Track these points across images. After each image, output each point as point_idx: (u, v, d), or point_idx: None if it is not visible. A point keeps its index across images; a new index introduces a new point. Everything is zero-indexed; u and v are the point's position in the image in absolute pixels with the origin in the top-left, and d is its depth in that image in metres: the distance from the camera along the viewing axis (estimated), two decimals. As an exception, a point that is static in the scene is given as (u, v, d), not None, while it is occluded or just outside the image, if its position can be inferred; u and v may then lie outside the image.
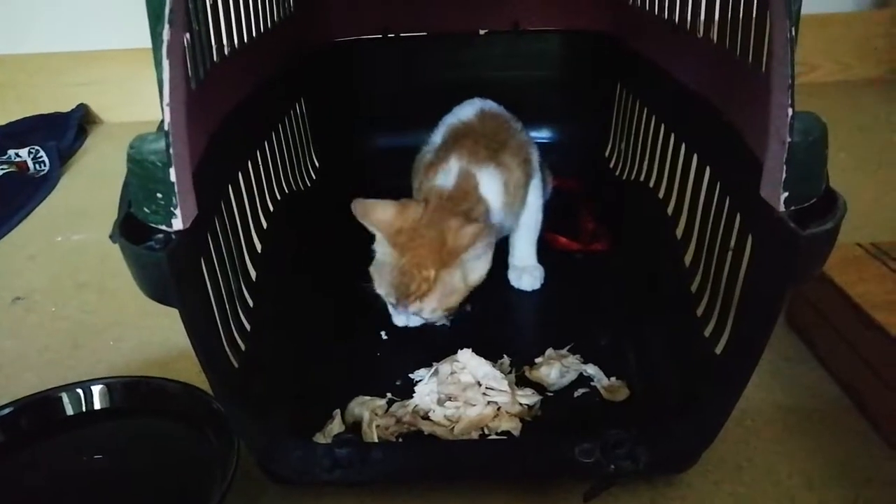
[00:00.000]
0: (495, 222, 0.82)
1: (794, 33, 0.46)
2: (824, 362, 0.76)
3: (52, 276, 1.03)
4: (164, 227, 0.51)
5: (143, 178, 0.50)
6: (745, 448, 0.66)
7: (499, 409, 0.69)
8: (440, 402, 0.70)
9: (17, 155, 1.42)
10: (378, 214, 0.76)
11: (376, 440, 0.65)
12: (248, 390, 0.62)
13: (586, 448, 0.58)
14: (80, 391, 0.70)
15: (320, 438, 0.66)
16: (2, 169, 1.36)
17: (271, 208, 0.87)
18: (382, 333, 0.81)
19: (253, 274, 0.75)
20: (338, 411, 0.69)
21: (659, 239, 0.84)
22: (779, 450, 0.66)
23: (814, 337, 0.78)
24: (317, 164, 1.12)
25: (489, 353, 0.74)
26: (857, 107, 1.49)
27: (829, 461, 0.65)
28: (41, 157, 1.41)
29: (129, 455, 0.67)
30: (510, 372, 0.74)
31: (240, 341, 0.65)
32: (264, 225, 0.83)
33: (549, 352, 0.76)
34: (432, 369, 0.73)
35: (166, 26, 0.46)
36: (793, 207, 0.50)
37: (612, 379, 0.73)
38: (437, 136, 0.91)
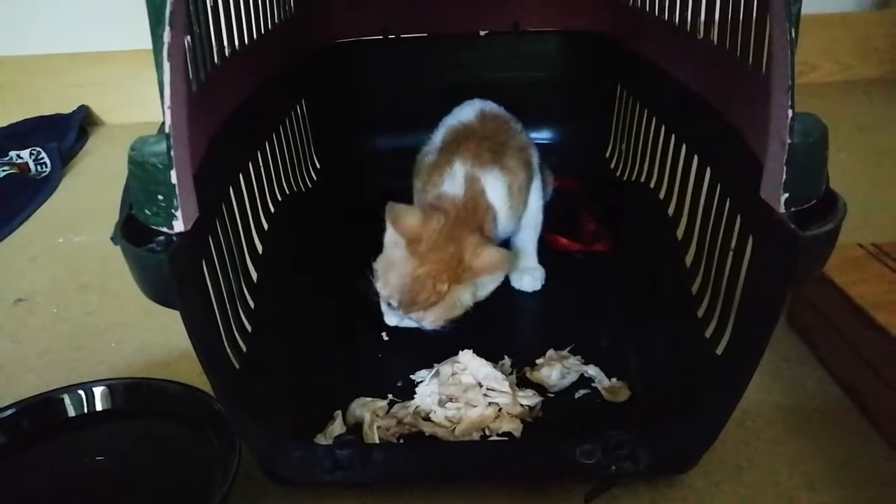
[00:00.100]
0: (499, 226, 0.82)
1: (794, 35, 0.46)
2: (825, 363, 0.76)
3: (54, 278, 1.03)
4: (165, 229, 0.51)
5: (144, 180, 0.50)
6: (746, 449, 0.66)
7: (500, 410, 0.69)
8: (441, 404, 0.70)
9: (18, 156, 1.42)
10: (407, 221, 0.75)
11: (377, 441, 0.65)
12: (249, 391, 0.62)
13: (587, 449, 0.58)
14: (81, 393, 0.70)
15: (321, 439, 0.66)
16: (3, 170, 1.36)
17: (272, 209, 0.87)
18: (383, 334, 0.81)
19: (254, 275, 0.75)
20: (339, 412, 0.69)
21: (660, 240, 0.84)
22: (779, 450, 0.66)
23: (814, 337, 0.78)
24: (317, 166, 1.12)
25: (490, 354, 0.74)
26: (858, 107, 1.49)
27: (829, 462, 0.65)
28: (42, 158, 1.41)
29: (131, 456, 0.67)
30: (511, 373, 0.74)
31: (241, 342, 0.66)
32: (265, 226, 0.83)
33: (550, 353, 0.76)
34: (433, 370, 0.73)
35: (167, 28, 0.46)
36: (793, 209, 0.50)
37: (613, 380, 0.73)
38: (438, 138, 0.91)
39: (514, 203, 0.84)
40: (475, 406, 0.69)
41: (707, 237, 0.71)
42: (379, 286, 0.76)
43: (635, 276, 0.88)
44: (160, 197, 0.50)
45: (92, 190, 1.34)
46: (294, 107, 1.05)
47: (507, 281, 0.89)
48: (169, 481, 0.64)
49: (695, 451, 0.61)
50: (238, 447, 0.60)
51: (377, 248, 0.78)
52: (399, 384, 0.74)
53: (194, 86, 0.58)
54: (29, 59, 1.63)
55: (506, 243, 0.90)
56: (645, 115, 0.97)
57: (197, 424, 0.66)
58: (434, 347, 0.75)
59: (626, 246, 0.95)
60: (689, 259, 0.75)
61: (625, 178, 1.04)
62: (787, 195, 0.50)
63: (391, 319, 0.79)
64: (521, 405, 0.69)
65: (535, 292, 0.89)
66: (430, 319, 0.75)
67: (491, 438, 0.67)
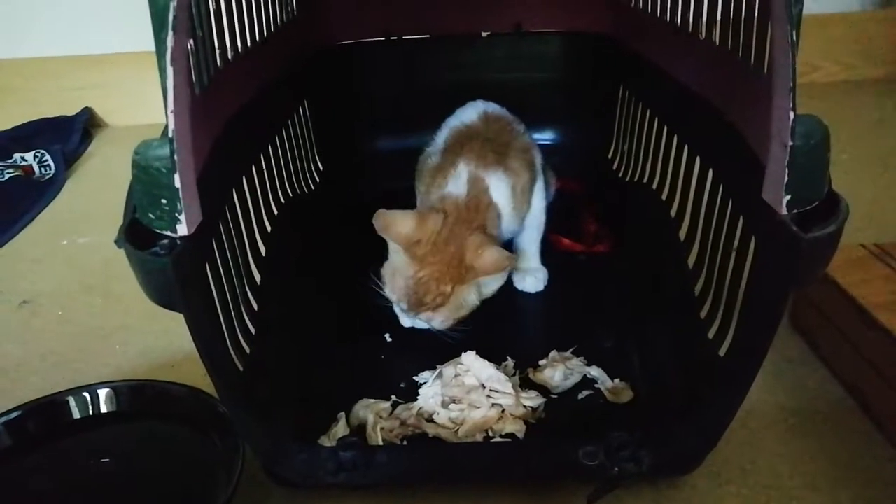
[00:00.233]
0: (503, 227, 0.82)
1: (795, 37, 0.46)
2: (828, 363, 0.76)
3: (58, 280, 1.03)
4: (168, 233, 0.51)
5: (147, 184, 0.50)
6: (749, 450, 0.66)
7: (503, 411, 0.69)
8: (444, 405, 0.70)
9: (22, 159, 1.42)
10: (398, 227, 0.75)
11: (381, 443, 0.66)
12: (253, 394, 0.63)
13: (590, 451, 0.58)
14: (86, 395, 0.71)
15: (325, 441, 0.66)
16: (8, 173, 1.37)
17: (275, 212, 0.87)
18: (387, 336, 0.82)
19: (257, 277, 0.75)
20: (342, 414, 0.69)
21: (662, 240, 0.84)
22: (783, 451, 0.66)
23: (817, 338, 0.78)
24: (320, 167, 1.12)
25: (493, 355, 0.74)
26: (860, 107, 1.49)
27: (833, 462, 0.65)
28: (47, 160, 1.42)
29: (136, 458, 0.67)
30: (514, 374, 0.74)
31: (245, 345, 0.66)
32: (268, 228, 0.83)
33: (553, 354, 0.77)
34: (436, 372, 0.73)
35: (170, 33, 0.46)
36: (795, 210, 0.50)
37: (616, 381, 0.73)
38: (440, 139, 0.91)
39: (518, 204, 0.85)
40: (478, 407, 0.69)
41: (709, 238, 0.71)
42: (387, 291, 0.77)
43: (638, 277, 0.88)
44: (164, 201, 0.50)
45: (96, 192, 1.34)
46: (296, 108, 1.05)
47: (509, 282, 0.89)
48: (173, 483, 0.64)
49: (698, 452, 0.61)
50: (242, 449, 0.61)
51: (380, 249, 0.78)
52: (402, 385, 0.74)
53: (197, 89, 0.58)
54: (31, 62, 1.63)
55: (509, 244, 0.90)
56: (647, 116, 0.97)
57: (201, 426, 0.67)
58: (437, 349, 0.76)
59: (629, 247, 0.96)
60: (691, 260, 0.75)
61: (627, 178, 1.04)
62: (788, 197, 0.50)
63: (405, 321, 0.80)
64: (525, 406, 0.69)
65: (537, 293, 0.89)
66: (438, 320, 0.75)
67: (494, 440, 0.67)
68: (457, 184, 0.81)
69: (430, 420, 0.69)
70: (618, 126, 1.11)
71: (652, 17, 0.92)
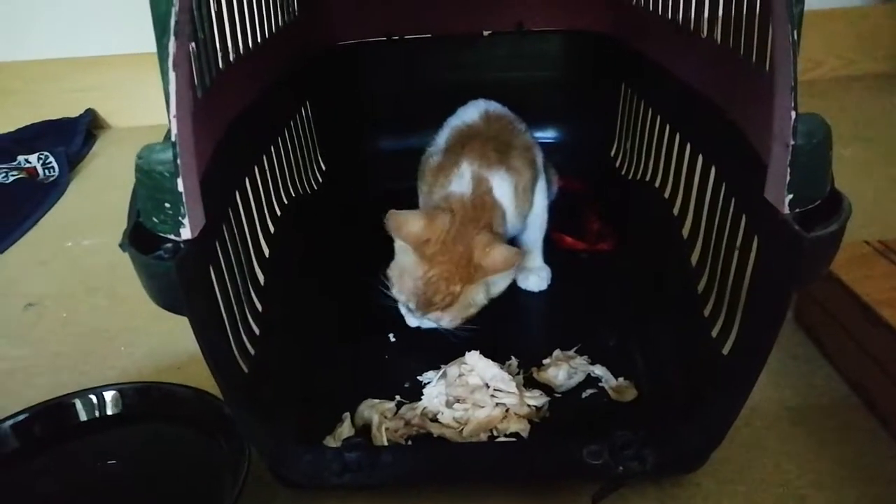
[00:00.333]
0: (506, 226, 0.82)
1: (796, 37, 0.46)
2: (832, 360, 0.76)
3: (64, 282, 1.04)
4: (172, 237, 0.51)
5: (151, 188, 0.50)
6: (754, 448, 0.66)
7: (507, 410, 0.69)
8: (449, 405, 0.70)
9: (26, 161, 1.43)
10: (409, 227, 0.75)
11: (386, 443, 0.66)
12: (257, 395, 0.63)
13: (594, 450, 0.58)
14: (92, 397, 0.71)
15: (330, 442, 0.67)
16: (12, 175, 1.37)
17: (278, 213, 0.87)
18: (390, 335, 0.82)
19: (261, 279, 0.75)
20: (347, 414, 0.70)
21: (665, 239, 0.84)
22: (787, 449, 0.66)
23: (821, 335, 0.78)
24: (323, 168, 1.12)
25: (497, 354, 0.74)
26: (863, 103, 1.48)
27: (838, 460, 0.65)
28: (50, 162, 1.42)
29: (142, 460, 0.67)
30: (518, 373, 0.74)
31: (249, 346, 0.66)
32: (272, 229, 0.83)
33: (557, 353, 0.77)
34: (440, 371, 0.74)
35: (172, 38, 0.46)
36: (797, 210, 0.50)
37: (620, 379, 0.73)
38: (442, 139, 0.91)
39: (520, 203, 0.85)
40: (482, 407, 0.69)
41: (712, 236, 0.71)
42: (395, 291, 0.77)
43: (641, 276, 0.88)
44: (167, 205, 0.50)
45: (100, 193, 1.34)
46: (299, 109, 1.05)
47: (513, 281, 0.90)
48: (179, 485, 0.65)
49: (702, 450, 0.61)
50: (248, 450, 0.61)
51: (383, 249, 0.78)
52: (406, 385, 0.74)
53: (199, 92, 0.58)
54: (30, 64, 1.64)
55: (511, 243, 0.90)
56: (649, 114, 0.97)
57: (207, 428, 0.67)
58: (441, 348, 0.76)
59: (632, 245, 0.96)
60: (694, 258, 0.75)
61: (629, 177, 1.04)
62: (791, 196, 0.50)
63: (412, 321, 0.80)
64: (529, 406, 0.70)
65: (541, 292, 0.89)
66: (447, 319, 0.76)
67: (498, 439, 0.67)
68: (460, 183, 0.81)
69: (435, 420, 0.69)
70: (620, 124, 1.11)
71: (653, 16, 0.92)
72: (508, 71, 1.18)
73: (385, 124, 1.21)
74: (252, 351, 0.66)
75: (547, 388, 0.73)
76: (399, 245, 0.76)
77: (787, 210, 0.50)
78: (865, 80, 1.62)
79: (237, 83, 0.73)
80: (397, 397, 0.72)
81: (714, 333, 0.67)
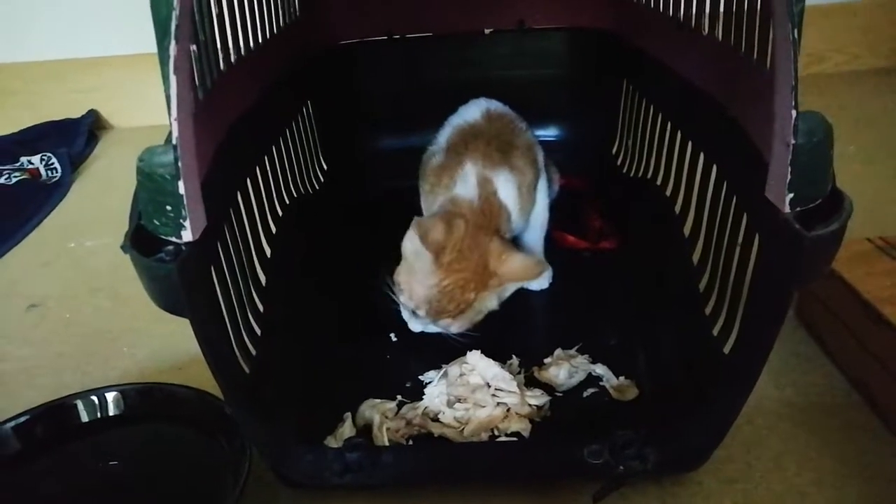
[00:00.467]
0: (512, 226, 0.82)
1: (796, 35, 0.46)
2: (834, 358, 0.76)
3: (66, 283, 1.04)
4: (173, 239, 0.51)
5: (152, 190, 0.50)
6: (755, 446, 0.66)
7: (508, 410, 0.69)
8: (450, 404, 0.70)
9: (29, 162, 1.43)
10: (434, 235, 0.73)
11: (387, 443, 0.66)
12: (259, 395, 0.63)
13: (595, 449, 0.58)
14: (94, 398, 0.71)
15: (331, 442, 0.67)
16: (15, 176, 1.38)
17: (280, 213, 0.88)
18: (392, 335, 0.82)
19: (263, 279, 0.75)
20: (348, 414, 0.70)
21: (667, 237, 0.84)
22: (789, 447, 0.66)
23: (823, 333, 0.78)
24: (324, 167, 1.12)
25: (498, 354, 0.75)
26: (866, 98, 1.48)
27: (839, 458, 0.65)
28: (53, 163, 1.42)
29: (144, 461, 0.68)
30: (519, 373, 0.74)
31: (250, 347, 0.66)
32: (273, 230, 0.83)
33: (558, 352, 0.77)
34: (441, 371, 0.74)
35: (173, 41, 0.46)
36: (798, 208, 0.50)
37: (621, 378, 0.73)
38: (443, 138, 0.91)
39: (524, 203, 0.85)
40: (483, 406, 0.69)
41: (714, 235, 0.71)
42: (403, 298, 0.76)
43: (642, 274, 0.88)
44: (168, 207, 0.50)
45: (102, 194, 1.35)
46: (300, 109, 1.05)
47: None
48: (181, 485, 0.65)
49: (703, 449, 0.61)
50: (249, 450, 0.61)
51: (385, 249, 0.78)
52: (408, 385, 0.74)
53: (200, 94, 0.58)
54: (31, 66, 1.64)
55: (513, 242, 0.90)
56: (651, 112, 0.97)
57: (208, 428, 0.67)
58: (442, 348, 0.76)
59: (633, 243, 0.95)
60: (695, 256, 0.75)
61: (631, 175, 1.04)
62: (791, 195, 0.50)
63: (416, 326, 0.79)
64: (530, 405, 0.70)
65: (542, 291, 0.89)
66: (457, 326, 0.75)
67: (499, 439, 0.67)
68: (465, 185, 0.81)
69: (436, 419, 0.69)
70: (621, 122, 1.11)
71: (654, 13, 0.91)
72: (510, 69, 1.18)
73: (386, 124, 1.21)
74: (253, 351, 0.66)
75: (548, 388, 0.73)
76: (412, 251, 0.74)
77: (787, 209, 0.50)
78: (868, 74, 1.61)
79: (238, 84, 0.73)
80: (398, 397, 0.72)
81: (715, 332, 0.67)
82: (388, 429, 0.67)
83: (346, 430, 0.68)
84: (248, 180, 0.77)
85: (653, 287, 0.85)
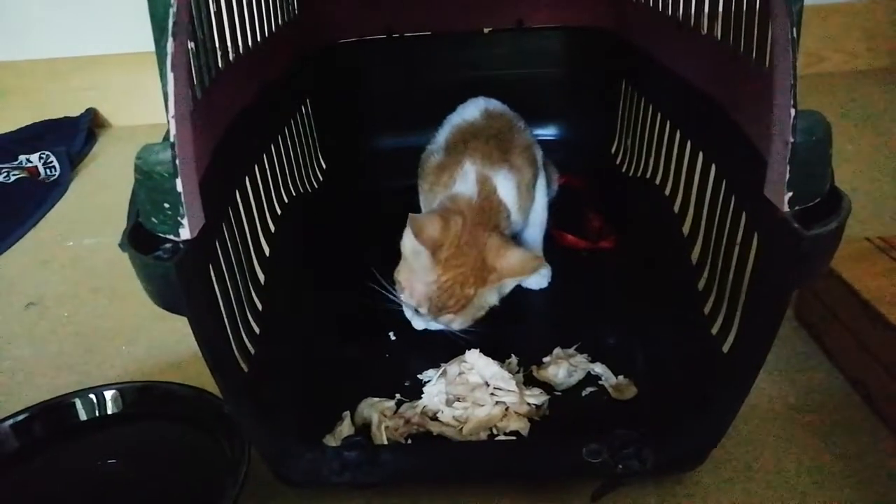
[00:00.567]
0: (511, 224, 0.82)
1: (795, 34, 0.45)
2: (833, 357, 0.76)
3: (65, 282, 1.04)
4: (171, 237, 0.51)
5: (150, 188, 0.50)
6: (754, 445, 0.66)
7: (507, 409, 0.69)
8: (449, 403, 0.70)
9: (27, 160, 1.43)
10: (429, 232, 0.74)
11: (385, 442, 0.66)
12: (257, 394, 0.63)
13: (594, 449, 0.58)
14: (92, 396, 0.71)
15: (330, 440, 0.67)
16: (13, 175, 1.37)
17: (279, 211, 0.87)
18: (391, 334, 0.82)
19: (261, 277, 0.75)
20: (347, 413, 0.70)
21: (665, 236, 0.84)
22: (788, 446, 0.66)
23: (822, 332, 0.78)
24: (323, 166, 1.12)
25: (497, 353, 0.74)
26: (865, 97, 1.48)
27: (838, 457, 0.65)
28: (52, 162, 1.42)
29: (142, 459, 0.67)
30: (518, 372, 0.74)
31: (249, 345, 0.66)
32: (272, 228, 0.83)
33: (557, 351, 0.77)
34: (440, 370, 0.74)
35: (170, 39, 0.46)
36: (797, 207, 0.50)
37: (620, 377, 0.73)
38: (442, 137, 0.91)
39: (523, 201, 0.84)
40: (482, 405, 0.69)
41: (713, 234, 0.71)
42: (405, 296, 0.76)
43: (641, 273, 0.88)
44: (166, 205, 0.50)
45: (101, 193, 1.35)
46: (298, 108, 1.05)
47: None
48: (180, 483, 0.65)
49: (702, 448, 0.61)
50: (248, 449, 0.61)
51: (384, 247, 0.78)
52: (407, 384, 0.74)
53: (198, 92, 0.58)
54: (30, 64, 1.64)
55: (513, 240, 0.90)
56: (650, 112, 0.97)
57: (207, 427, 0.67)
58: (441, 347, 0.76)
59: (632, 242, 0.95)
60: (694, 256, 0.75)
61: (630, 174, 1.04)
62: (790, 194, 0.50)
63: (418, 324, 0.79)
64: (528, 404, 0.70)
65: (541, 290, 0.89)
66: (458, 322, 0.75)
67: (498, 438, 0.67)
68: (465, 183, 0.81)
69: (435, 418, 0.69)
70: (620, 121, 1.11)
71: (653, 12, 0.91)
72: (509, 68, 1.18)
73: (385, 122, 1.21)
74: (252, 350, 0.66)
75: (547, 387, 0.73)
76: (411, 249, 0.74)
77: (786, 208, 0.50)
78: (868, 74, 1.61)
79: (237, 82, 0.73)
80: (397, 396, 0.72)
81: (714, 331, 0.67)
82: (386, 427, 0.67)
83: (345, 428, 0.68)
84: (247, 178, 0.77)
85: (652, 286, 0.85)
